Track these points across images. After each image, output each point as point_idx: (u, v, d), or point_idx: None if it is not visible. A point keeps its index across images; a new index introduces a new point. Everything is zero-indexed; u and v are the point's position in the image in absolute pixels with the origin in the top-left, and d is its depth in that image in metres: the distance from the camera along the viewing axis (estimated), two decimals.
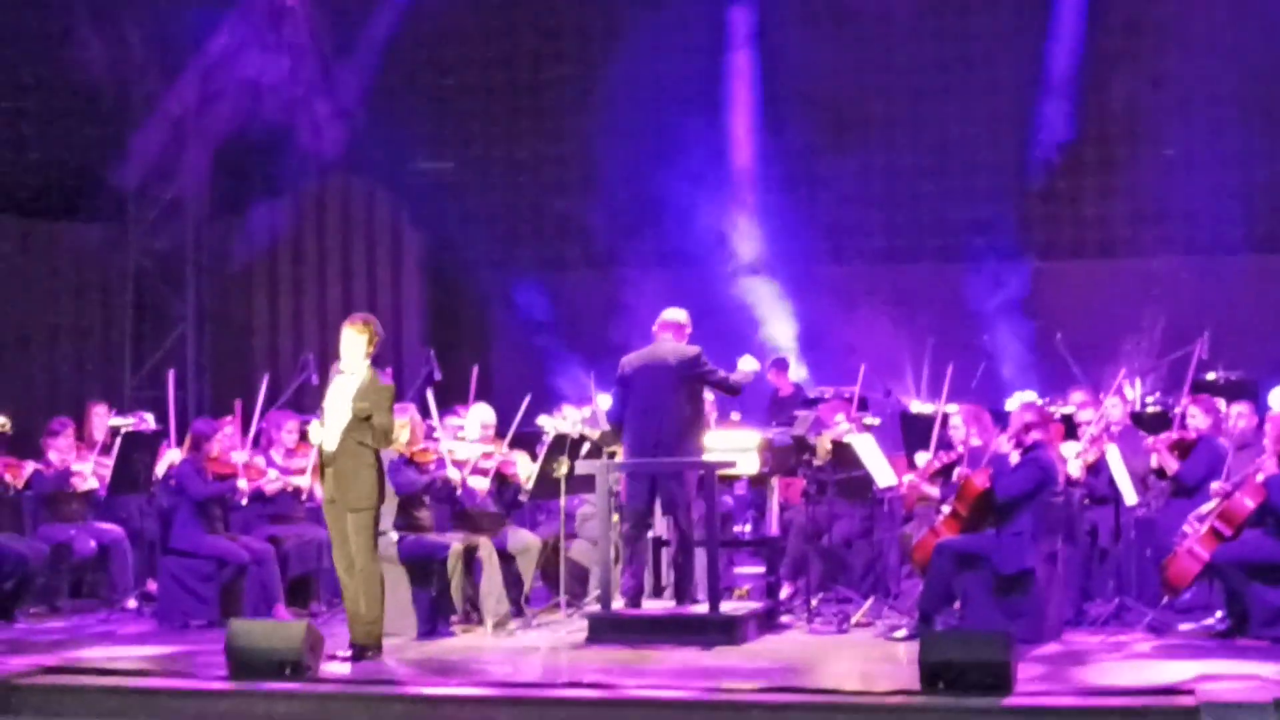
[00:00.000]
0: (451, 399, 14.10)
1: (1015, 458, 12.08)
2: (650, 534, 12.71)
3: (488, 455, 13.38)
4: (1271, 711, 9.33)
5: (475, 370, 14.05)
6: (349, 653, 11.21)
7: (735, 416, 14.73)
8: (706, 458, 12.51)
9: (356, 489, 11.26)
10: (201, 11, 18.35)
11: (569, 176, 19.33)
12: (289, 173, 19.60)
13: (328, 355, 11.67)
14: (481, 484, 13.29)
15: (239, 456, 13.59)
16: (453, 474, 12.96)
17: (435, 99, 19.14)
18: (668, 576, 12.88)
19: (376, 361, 11.60)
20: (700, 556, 12.46)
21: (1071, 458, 12.88)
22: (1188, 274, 16.75)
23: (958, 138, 18.37)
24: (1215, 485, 12.18)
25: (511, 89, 19.30)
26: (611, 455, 12.89)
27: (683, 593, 12.35)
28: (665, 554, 12.89)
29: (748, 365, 12.99)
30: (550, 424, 13.66)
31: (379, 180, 19.51)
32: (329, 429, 11.38)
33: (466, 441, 13.38)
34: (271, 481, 13.76)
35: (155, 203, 19.16)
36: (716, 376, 12.51)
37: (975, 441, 12.95)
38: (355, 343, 11.38)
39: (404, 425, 12.11)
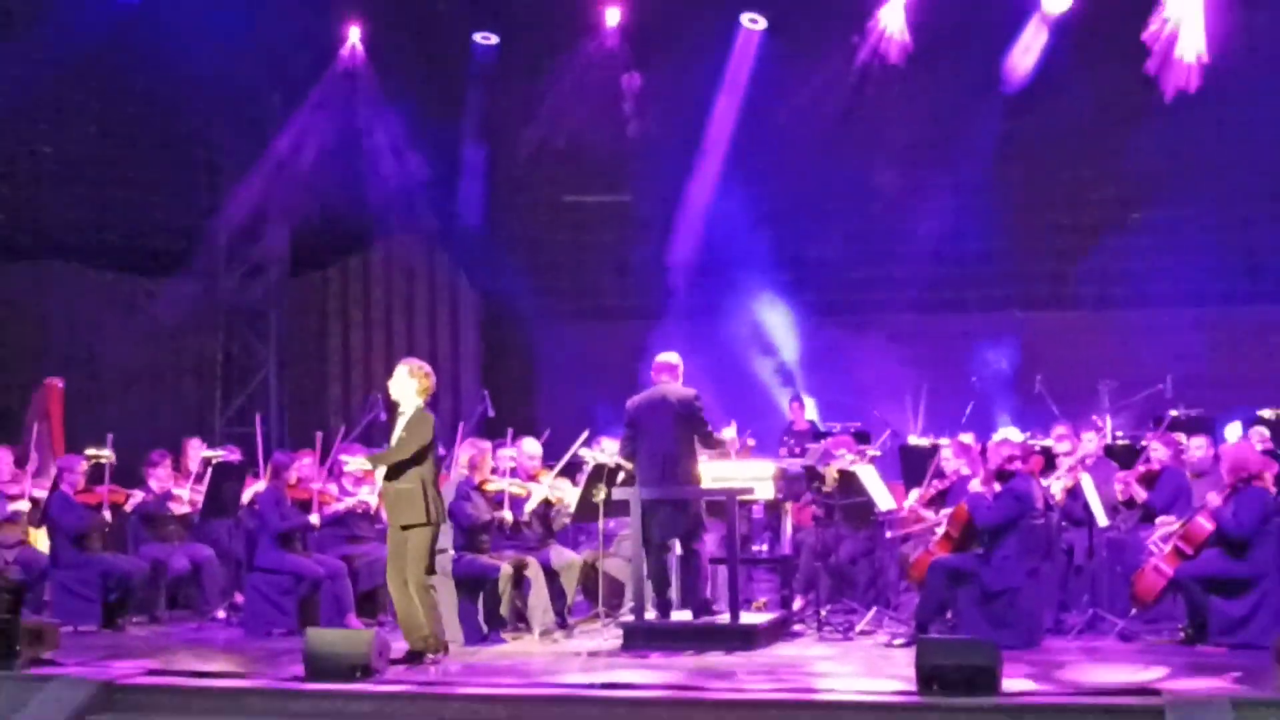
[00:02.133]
0: (503, 433, 14.13)
1: (978, 486, 12.11)
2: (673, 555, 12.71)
3: (533, 480, 13.43)
4: (1229, 709, 9.31)
5: (547, 433, 14.01)
6: (406, 657, 11.26)
7: (751, 442, 14.72)
8: (728, 485, 12.53)
9: (405, 509, 11.30)
10: (285, 91, 18.51)
11: (607, 239, 19.39)
12: (360, 234, 19.73)
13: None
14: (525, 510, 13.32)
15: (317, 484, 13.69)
16: (507, 516, 13.01)
17: (490, 168, 19.19)
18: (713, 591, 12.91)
19: (434, 405, 11.69)
20: (717, 572, 12.49)
21: (1053, 485, 12.94)
22: (1153, 324, 16.75)
23: (950, 206, 18.35)
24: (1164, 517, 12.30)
25: (556, 157, 19.34)
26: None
27: (696, 606, 12.34)
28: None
29: (728, 434, 13.09)
30: (590, 455, 13.68)
31: (438, 241, 19.61)
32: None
33: (517, 478, 13.39)
34: (341, 505, 13.81)
35: (243, 261, 19.29)
36: (704, 428, 12.41)
37: (965, 471, 12.99)
38: (405, 384, 11.46)
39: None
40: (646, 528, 12.32)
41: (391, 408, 11.66)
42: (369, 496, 13.75)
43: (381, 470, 11.46)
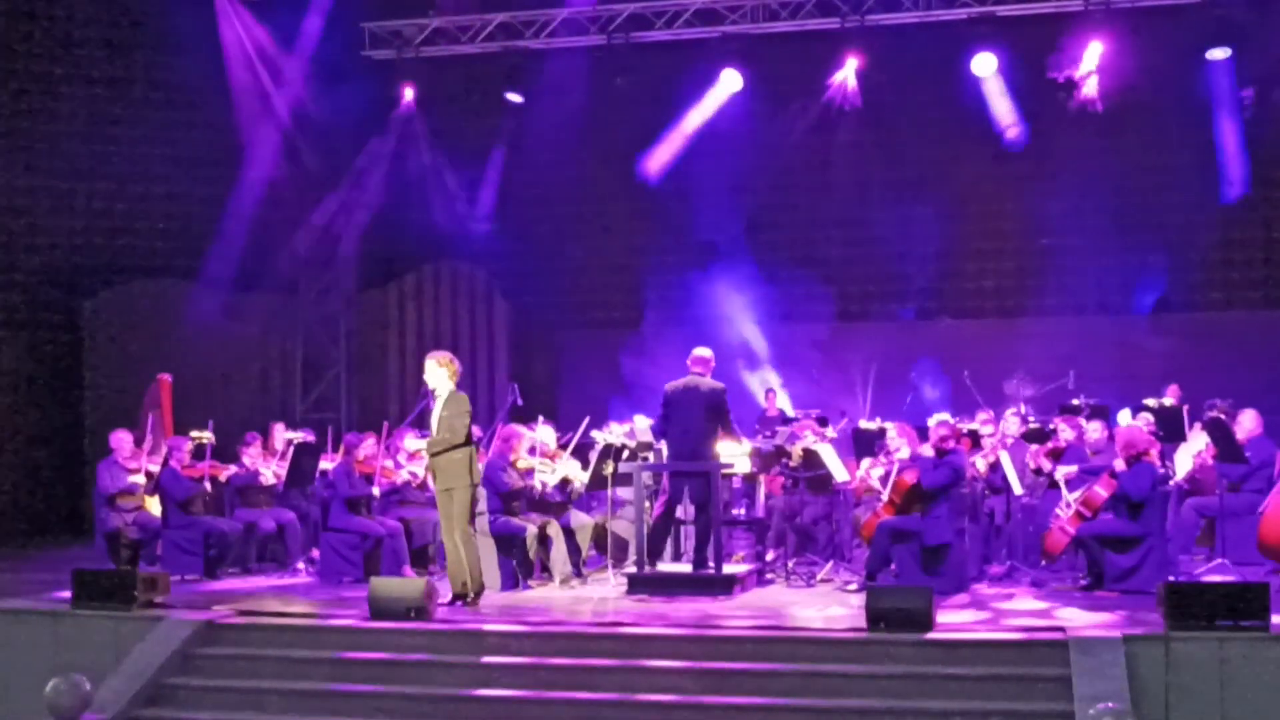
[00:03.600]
0: (529, 418, 14.10)
1: (933, 460, 12.10)
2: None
3: (552, 458, 13.41)
4: (1120, 644, 9.31)
5: (587, 420, 13.93)
6: (449, 600, 11.28)
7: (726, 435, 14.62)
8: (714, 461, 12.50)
9: (449, 475, 11.32)
10: (353, 136, 18.48)
11: (613, 263, 19.33)
12: (412, 258, 19.70)
13: None
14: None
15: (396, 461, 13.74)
16: (536, 484, 13.00)
17: (519, 206, 19.15)
18: (686, 546, 12.85)
19: (473, 397, 11.71)
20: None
21: (977, 460, 12.92)
22: (1058, 330, 16.70)
23: (897, 237, 18.17)
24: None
25: (568, 199, 19.30)
26: (645, 458, 12.89)
27: (701, 560, 12.27)
28: (684, 530, 12.88)
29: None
30: (600, 436, 13.65)
31: (477, 263, 19.57)
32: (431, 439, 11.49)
33: (537, 456, 13.34)
34: (400, 478, 13.81)
35: (318, 280, 19.26)
36: (728, 418, 12.33)
37: (906, 450, 12.95)
38: (437, 373, 11.43)
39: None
40: (675, 490, 12.27)
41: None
42: (419, 470, 13.74)
43: (431, 450, 11.45)
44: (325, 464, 14.15)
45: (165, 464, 13.67)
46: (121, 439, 13.95)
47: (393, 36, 18.39)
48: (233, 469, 14.07)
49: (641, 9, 17.59)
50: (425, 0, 17.91)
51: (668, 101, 18.01)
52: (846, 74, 17.36)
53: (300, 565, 13.94)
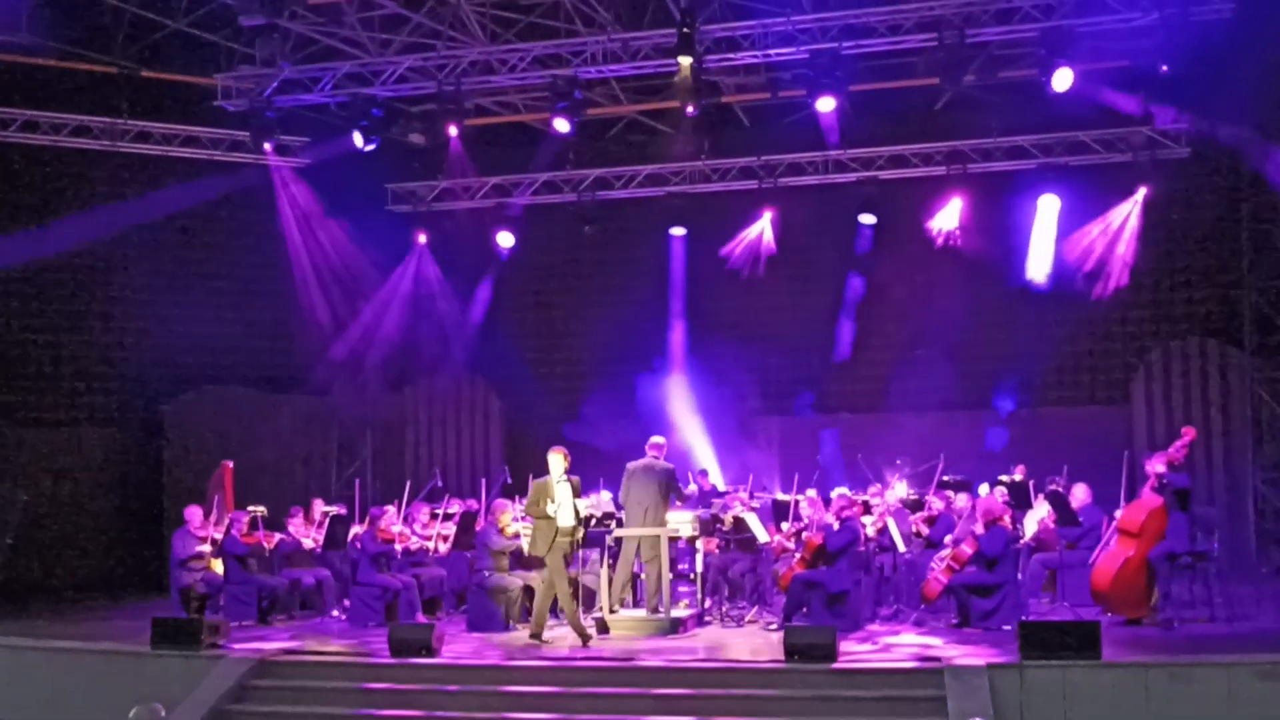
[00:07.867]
0: (518, 493, 14.03)
1: (835, 525, 12.12)
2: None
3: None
4: (984, 671, 9.33)
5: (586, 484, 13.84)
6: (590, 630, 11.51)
7: (680, 503, 14.58)
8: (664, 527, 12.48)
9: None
10: (378, 271, 18.49)
11: (580, 373, 19.21)
12: (424, 368, 19.61)
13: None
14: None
15: (396, 528, 13.56)
16: (524, 546, 12.92)
17: (507, 325, 19.17)
18: (640, 594, 12.77)
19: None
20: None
21: (869, 525, 12.90)
22: (932, 422, 16.71)
23: (802, 349, 18.21)
24: (948, 539, 12.27)
25: (545, 321, 19.35)
26: (607, 526, 12.82)
27: (654, 606, 12.18)
28: (639, 584, 12.83)
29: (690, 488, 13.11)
30: (580, 506, 13.55)
31: (477, 371, 19.51)
32: (565, 512, 11.45)
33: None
34: (414, 543, 13.69)
35: (349, 383, 19.14)
36: (678, 491, 12.42)
37: (814, 516, 12.97)
38: (558, 463, 11.56)
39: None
40: (629, 549, 12.23)
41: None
42: (431, 539, 13.65)
43: (571, 522, 11.51)
44: (355, 529, 14.05)
45: (227, 533, 13.51)
46: (193, 513, 13.80)
47: (409, 195, 18.57)
48: (280, 536, 13.92)
49: (604, 173, 17.85)
50: (436, 166, 18.05)
51: (622, 243, 18.20)
52: (764, 223, 17.61)
53: (335, 613, 13.77)
